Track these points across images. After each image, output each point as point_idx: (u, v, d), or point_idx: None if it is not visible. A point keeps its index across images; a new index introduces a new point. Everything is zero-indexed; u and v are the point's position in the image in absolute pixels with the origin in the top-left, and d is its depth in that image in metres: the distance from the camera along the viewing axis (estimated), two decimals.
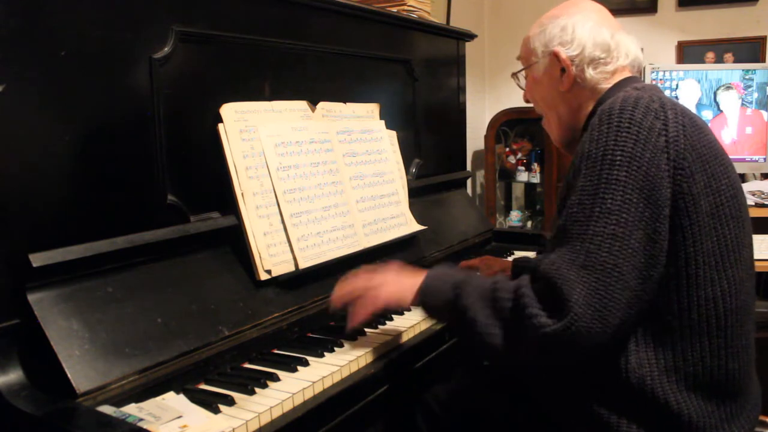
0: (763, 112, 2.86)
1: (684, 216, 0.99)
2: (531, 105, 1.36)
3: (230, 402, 1.02)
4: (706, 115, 2.89)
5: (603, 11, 1.25)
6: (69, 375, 0.96)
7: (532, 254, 2.03)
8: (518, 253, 2.06)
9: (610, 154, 0.99)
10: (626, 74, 1.22)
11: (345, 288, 1.24)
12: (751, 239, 1.12)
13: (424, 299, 1.15)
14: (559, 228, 1.04)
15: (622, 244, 0.95)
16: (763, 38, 3.37)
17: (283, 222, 1.37)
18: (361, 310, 1.19)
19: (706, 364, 1.03)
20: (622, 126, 1.00)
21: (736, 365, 1.05)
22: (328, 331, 1.36)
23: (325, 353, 1.22)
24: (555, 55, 1.21)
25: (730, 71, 2.90)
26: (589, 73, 1.19)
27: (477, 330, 1.04)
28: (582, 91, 1.22)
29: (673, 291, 1.01)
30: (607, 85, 1.20)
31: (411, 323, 1.38)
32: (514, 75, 1.37)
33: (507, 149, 3.67)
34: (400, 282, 1.19)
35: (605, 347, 0.99)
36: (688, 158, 1.00)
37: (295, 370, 1.15)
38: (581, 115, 1.24)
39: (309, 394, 1.08)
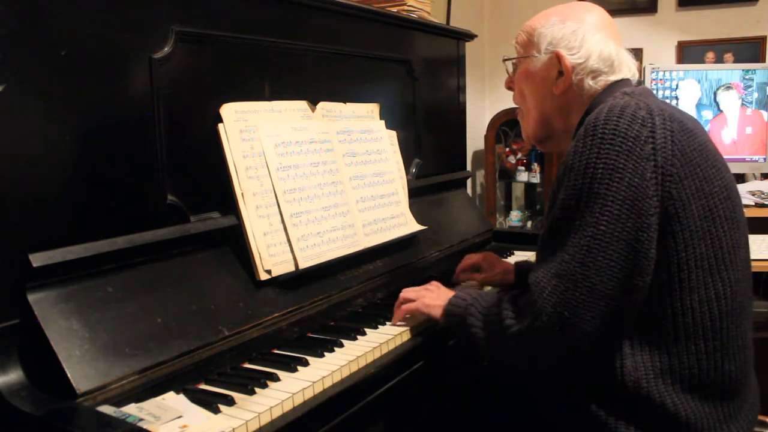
0: (763, 112, 2.86)
1: (675, 221, 1.00)
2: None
3: (230, 402, 1.02)
4: (706, 115, 2.90)
5: (612, 24, 1.24)
6: (69, 375, 0.96)
7: (532, 254, 2.04)
8: (518, 254, 2.06)
9: (591, 167, 1.00)
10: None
11: (401, 295, 1.39)
12: (747, 239, 1.12)
13: (447, 319, 1.28)
14: (542, 238, 1.10)
15: (596, 257, 0.99)
16: (763, 38, 3.37)
17: (283, 222, 1.37)
18: (400, 312, 1.37)
19: (702, 366, 1.03)
20: (606, 138, 1.00)
21: (733, 366, 1.05)
22: (328, 331, 1.36)
23: (325, 353, 1.22)
24: (557, 57, 1.20)
25: (730, 71, 2.90)
26: (588, 83, 1.18)
27: (476, 343, 1.18)
28: (575, 98, 1.21)
29: (666, 295, 1.02)
30: (599, 90, 1.19)
31: (411, 323, 1.38)
32: (507, 61, 1.35)
33: (507, 149, 3.68)
34: (436, 298, 1.33)
35: (593, 349, 1.03)
36: (677, 164, 1.00)
37: (295, 370, 1.15)
38: (570, 119, 1.22)
39: (309, 394, 1.08)
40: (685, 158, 1.01)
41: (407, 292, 1.38)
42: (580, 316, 0.99)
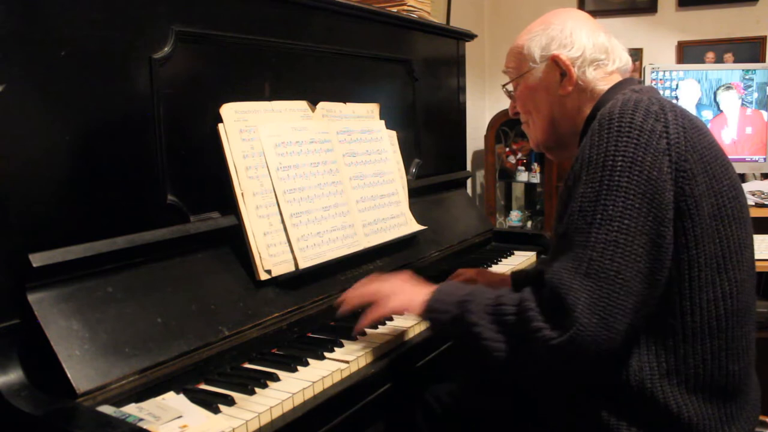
0: (763, 112, 2.86)
1: (687, 218, 0.99)
2: None
3: (230, 402, 1.02)
4: (706, 115, 2.89)
5: (592, 18, 1.26)
6: (69, 375, 0.96)
7: (532, 254, 2.04)
8: (518, 254, 2.06)
9: (611, 159, 0.99)
10: (618, 77, 1.21)
11: (357, 291, 1.29)
12: (752, 240, 1.12)
13: (430, 315, 1.17)
14: (560, 236, 1.04)
15: (624, 251, 0.95)
16: (763, 38, 3.37)
17: (283, 222, 1.37)
18: (370, 315, 1.24)
19: (707, 366, 1.03)
20: (623, 130, 0.99)
21: (736, 367, 1.05)
22: (328, 331, 1.36)
23: (325, 353, 1.22)
24: (555, 60, 1.20)
25: (730, 71, 2.90)
26: (591, 73, 1.19)
27: (484, 344, 1.05)
28: (582, 94, 1.21)
29: (675, 294, 1.01)
30: (605, 86, 1.19)
31: (411, 323, 1.38)
32: (506, 86, 1.34)
33: (507, 149, 3.68)
34: (410, 292, 1.22)
35: (614, 351, 0.99)
36: (690, 160, 0.99)
37: (295, 370, 1.15)
38: (579, 118, 1.22)
39: (309, 394, 1.08)
40: (697, 155, 1.00)
41: (372, 287, 1.26)
42: (615, 315, 0.95)
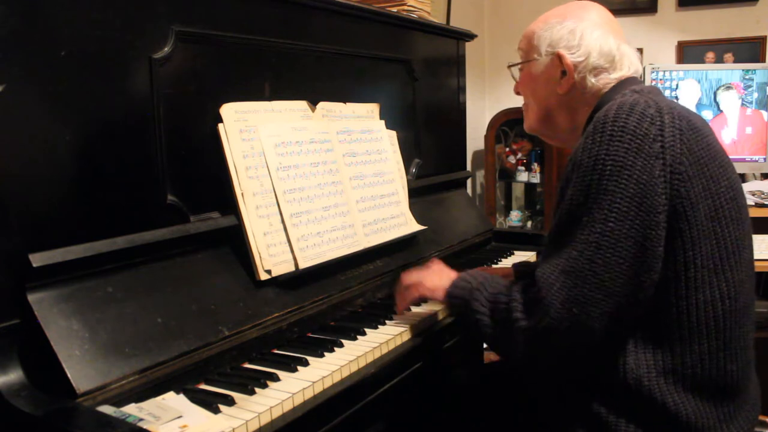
0: (763, 112, 2.86)
1: (682, 220, 1.00)
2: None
3: (230, 402, 1.02)
4: (706, 115, 2.89)
5: (612, 20, 1.24)
6: (69, 375, 0.96)
7: (532, 254, 2.04)
8: (518, 254, 2.06)
9: (600, 164, 1.00)
10: (624, 77, 1.21)
11: (402, 281, 1.40)
12: (751, 240, 1.12)
13: (450, 301, 1.25)
14: (549, 234, 1.09)
15: (605, 254, 0.98)
16: (763, 38, 3.37)
17: (283, 222, 1.37)
18: (403, 300, 1.38)
19: (705, 365, 1.03)
20: (615, 135, 1.00)
21: (735, 367, 1.05)
22: (328, 331, 1.36)
23: (325, 353, 1.22)
24: (558, 57, 1.20)
25: (730, 71, 2.90)
26: (591, 80, 1.19)
27: (482, 332, 1.14)
28: (580, 96, 1.21)
29: (672, 294, 1.02)
30: (606, 88, 1.19)
31: (411, 323, 1.38)
32: (511, 67, 1.36)
33: (507, 149, 3.68)
34: (438, 279, 1.31)
35: (599, 344, 1.03)
36: (685, 162, 1.00)
37: (295, 370, 1.15)
38: (577, 115, 1.23)
39: (309, 394, 1.08)
40: (693, 157, 1.01)
41: (408, 277, 1.37)
42: (589, 313, 0.99)
